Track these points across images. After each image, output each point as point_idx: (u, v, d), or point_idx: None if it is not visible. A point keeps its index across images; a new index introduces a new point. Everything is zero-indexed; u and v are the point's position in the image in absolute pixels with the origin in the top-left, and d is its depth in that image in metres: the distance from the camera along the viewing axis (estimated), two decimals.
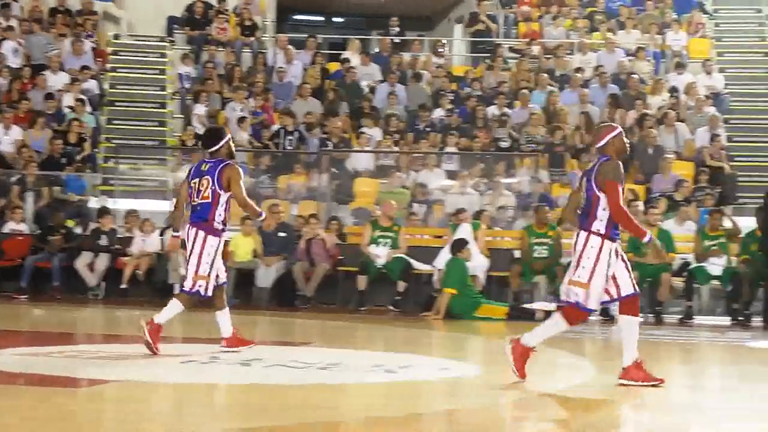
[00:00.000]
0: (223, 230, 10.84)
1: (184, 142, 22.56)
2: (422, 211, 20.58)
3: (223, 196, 10.74)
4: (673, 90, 23.61)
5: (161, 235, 19.21)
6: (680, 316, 17.47)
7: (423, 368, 10.64)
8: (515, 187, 20.85)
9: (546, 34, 26.29)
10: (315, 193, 21.23)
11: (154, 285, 19.01)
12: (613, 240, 9.15)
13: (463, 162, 21.41)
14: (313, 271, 18.68)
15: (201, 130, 22.68)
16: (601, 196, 9.11)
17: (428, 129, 22.67)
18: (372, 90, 24.18)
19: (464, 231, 17.99)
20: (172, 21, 26.77)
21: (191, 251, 10.79)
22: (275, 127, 22.70)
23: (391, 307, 18.18)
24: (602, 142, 9.38)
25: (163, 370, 9.80)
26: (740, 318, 17.11)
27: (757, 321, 17.30)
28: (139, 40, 26.80)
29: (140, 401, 8.22)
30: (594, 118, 22.72)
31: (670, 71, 24.65)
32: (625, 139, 9.47)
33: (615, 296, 9.32)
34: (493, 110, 23.01)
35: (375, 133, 22.48)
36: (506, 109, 22.94)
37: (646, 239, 9.21)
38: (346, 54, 25.69)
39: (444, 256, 17.63)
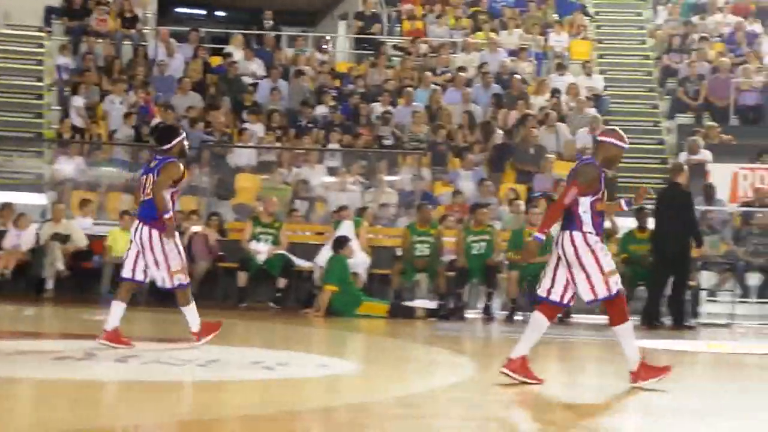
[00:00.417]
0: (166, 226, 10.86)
1: (61, 134, 22.12)
2: (304, 208, 20.45)
3: (167, 192, 10.83)
4: (555, 91, 23.80)
5: (38, 230, 18.81)
6: (560, 315, 17.54)
7: (301, 365, 10.53)
8: (398, 185, 20.83)
9: (430, 33, 26.34)
10: (195, 189, 20.95)
11: (28, 280, 18.59)
12: (599, 235, 9.20)
13: (345, 159, 21.32)
14: (194, 268, 18.44)
15: (79, 122, 22.30)
16: (580, 199, 9.12)
17: (311, 125, 22.54)
18: (254, 85, 23.97)
19: (346, 228, 17.91)
20: (50, 11, 26.24)
21: (152, 250, 10.90)
22: (155, 120, 22.37)
23: (272, 304, 18.03)
24: (599, 139, 9.46)
25: (33, 367, 9.54)
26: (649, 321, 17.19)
27: (634, 319, 17.44)
28: (15, 30, 26.22)
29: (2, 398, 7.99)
30: (477, 117, 22.82)
31: (551, 72, 24.85)
32: (618, 155, 9.33)
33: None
34: (376, 108, 22.97)
35: (257, 128, 22.29)
36: (389, 107, 22.90)
37: (534, 236, 9.30)
38: (228, 48, 25.45)
39: (325, 253, 17.52)
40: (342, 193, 20.40)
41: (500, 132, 22.19)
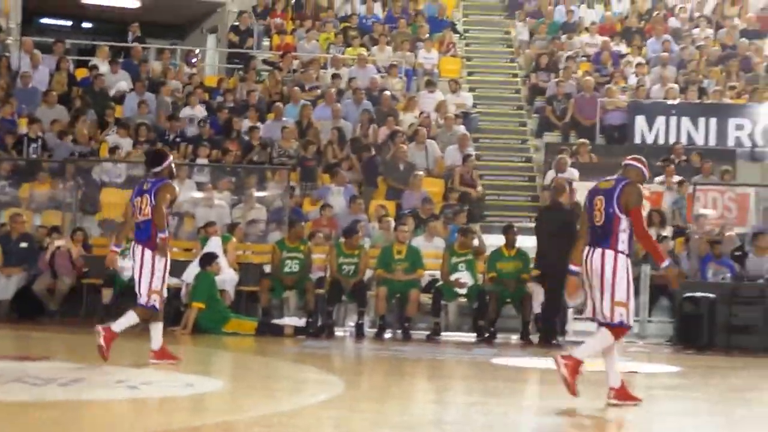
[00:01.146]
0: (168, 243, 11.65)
1: None
2: (172, 224, 20.14)
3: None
4: (424, 108, 23.88)
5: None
6: (428, 333, 17.59)
7: (166, 385, 10.33)
8: (267, 200, 20.65)
9: (300, 48, 26.24)
10: (60, 203, 20.52)
11: None
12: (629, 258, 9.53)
13: (214, 174, 21.08)
14: (57, 284, 18.06)
15: None
16: (623, 217, 9.46)
17: (179, 140, 22.25)
18: (121, 98, 23.59)
19: (214, 244, 17.70)
20: None
21: (141, 268, 11.64)
22: (19, 132, 21.87)
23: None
24: (629, 163, 9.88)
25: None
26: (486, 335, 17.32)
27: (501, 337, 17.57)
28: None
29: None
30: (347, 133, 22.77)
31: (421, 89, 24.93)
32: (642, 182, 9.79)
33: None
34: (245, 123, 22.76)
35: (124, 142, 21.92)
36: (259, 122, 22.73)
37: (665, 264, 9.68)
38: (94, 60, 25.02)
39: (193, 270, 17.27)
40: (210, 208, 20.17)
41: (370, 148, 22.17)
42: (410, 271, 17.75)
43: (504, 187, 23.38)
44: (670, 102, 24.41)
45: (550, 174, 21.94)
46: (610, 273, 9.45)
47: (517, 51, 27.43)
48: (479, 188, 21.98)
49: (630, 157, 10.10)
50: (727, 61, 25.89)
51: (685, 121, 24.02)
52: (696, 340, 16.89)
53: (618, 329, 9.50)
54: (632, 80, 25.42)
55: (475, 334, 17.58)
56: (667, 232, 19.57)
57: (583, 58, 26.43)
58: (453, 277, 17.71)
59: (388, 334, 17.43)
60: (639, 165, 9.87)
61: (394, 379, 12.11)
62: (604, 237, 9.49)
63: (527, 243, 18.68)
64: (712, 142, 23.87)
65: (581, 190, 20.74)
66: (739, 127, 23.93)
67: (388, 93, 23.88)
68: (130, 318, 11.72)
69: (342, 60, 25.45)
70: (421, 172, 21.45)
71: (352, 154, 22.09)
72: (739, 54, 26.26)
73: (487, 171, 23.63)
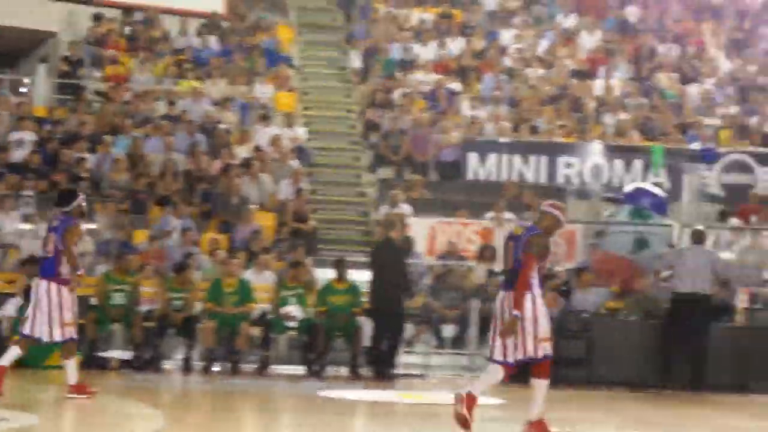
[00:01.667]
0: (69, 280, 12.00)
1: None
2: None
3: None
4: (259, 141, 23.75)
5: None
6: (257, 365, 17.43)
7: None
8: (95, 232, 20.24)
9: (133, 79, 25.88)
10: None
11: None
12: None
13: (40, 205, 20.58)
14: None
15: None
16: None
17: (5, 170, 21.70)
18: None
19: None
20: None
21: (49, 303, 11.92)
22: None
23: None
24: (545, 209, 10.30)
25: None
26: (315, 368, 17.25)
27: (331, 371, 17.49)
28: None
29: None
30: (179, 165, 22.51)
31: (256, 122, 24.80)
32: (558, 228, 10.28)
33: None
34: (74, 154, 22.29)
35: None
36: (88, 154, 22.30)
37: (515, 313, 9.93)
38: None
39: (15, 302, 16.82)
40: (36, 240, 19.67)
41: (204, 181, 21.97)
42: (240, 304, 17.60)
43: (337, 221, 23.38)
44: (502, 139, 24.76)
45: (384, 209, 22.02)
46: (530, 313, 9.94)
47: (353, 86, 27.50)
48: (312, 222, 21.94)
49: (548, 203, 10.49)
50: (558, 101, 26.40)
51: (517, 159, 24.39)
52: (522, 374, 17.01)
53: (545, 363, 10.16)
54: (466, 117, 25.70)
55: (304, 367, 17.48)
56: (498, 267, 19.76)
57: (419, 95, 26.67)
58: (283, 311, 17.62)
59: (216, 368, 17.21)
60: (555, 212, 10.28)
61: (219, 414, 11.96)
62: (516, 279, 9.98)
63: (360, 277, 18.72)
64: (542, 179, 24.28)
65: (414, 226, 20.94)
66: (569, 165, 24.39)
67: (222, 126, 23.71)
68: (70, 367, 12.18)
69: (176, 92, 25.19)
70: (253, 206, 21.32)
71: (186, 186, 21.85)
72: (569, 94, 26.80)
73: (321, 205, 23.60)
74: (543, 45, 28.68)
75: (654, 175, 24.07)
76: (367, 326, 17.50)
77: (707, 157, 24.29)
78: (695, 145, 24.79)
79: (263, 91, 25.88)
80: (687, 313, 17.07)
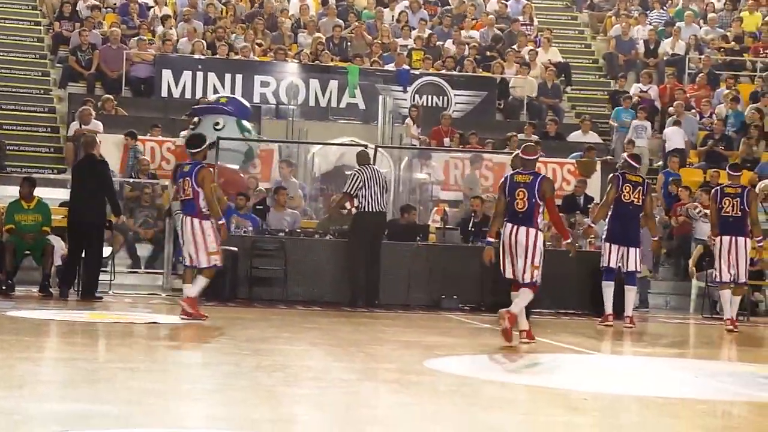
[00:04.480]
0: (208, 215, 13.44)
1: None
2: None
3: (201, 192, 13.34)
4: None
5: None
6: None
7: None
8: None
9: None
10: None
11: None
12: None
13: None
14: None
15: None
16: (541, 203, 12.03)
17: None
18: None
19: None
20: None
21: (194, 236, 13.35)
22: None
23: None
24: (533, 157, 12.28)
25: None
26: (3, 287, 16.48)
27: (21, 290, 16.81)
28: None
29: None
30: None
31: None
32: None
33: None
34: None
35: None
36: None
37: (568, 240, 12.94)
38: None
39: None
40: None
41: None
42: None
43: (27, 137, 22.50)
44: (197, 56, 24.32)
45: (74, 125, 21.32)
46: (531, 244, 11.97)
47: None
48: None
49: (527, 152, 12.31)
50: (254, 19, 26.11)
51: (212, 77, 24.01)
52: (219, 292, 16.88)
53: (534, 286, 12.07)
54: (159, 32, 25.11)
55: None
56: None
57: (109, 9, 25.84)
58: None
59: None
60: (534, 157, 12.29)
61: None
62: (526, 219, 11.99)
63: (52, 195, 18.09)
64: (238, 97, 23.99)
65: (106, 143, 20.29)
66: (265, 84, 24.20)
67: None
68: (201, 281, 13.50)
69: None
70: None
71: None
72: (265, 12, 26.55)
73: (7, 120, 22.63)
74: None
75: (350, 95, 24.21)
76: (58, 245, 16.86)
77: (401, 78, 24.59)
78: (390, 66, 25.04)
79: None
80: (365, 231, 17.18)
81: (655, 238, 16.03)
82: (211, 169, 13.95)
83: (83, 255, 16.41)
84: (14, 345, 10.60)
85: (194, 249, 13.40)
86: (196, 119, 20.12)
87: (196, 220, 13.39)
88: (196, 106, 21.24)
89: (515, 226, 12.05)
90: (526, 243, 12.00)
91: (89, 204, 16.33)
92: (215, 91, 23.55)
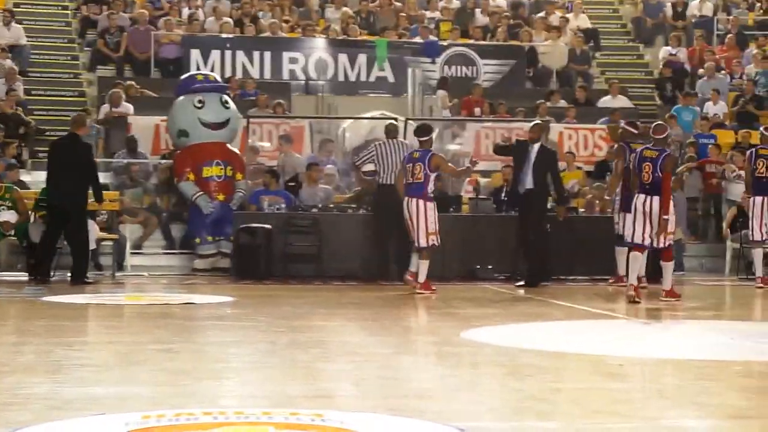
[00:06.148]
0: (433, 198, 14.88)
1: None
2: None
3: (431, 176, 14.70)
4: None
5: None
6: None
7: None
8: None
9: None
10: None
11: None
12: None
13: None
14: None
15: None
16: (663, 177, 13.25)
17: None
18: None
19: None
20: None
21: (417, 217, 14.58)
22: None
23: None
24: (662, 136, 13.53)
25: None
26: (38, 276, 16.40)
27: (58, 277, 16.85)
28: None
29: None
30: None
31: None
32: None
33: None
34: None
35: None
36: None
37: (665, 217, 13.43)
38: None
39: None
40: None
41: None
42: None
43: (56, 122, 22.53)
44: (224, 35, 24.31)
45: (105, 108, 21.38)
46: (663, 213, 13.20)
47: None
48: (32, 123, 21.14)
49: (657, 131, 13.61)
50: None
51: (240, 55, 24.00)
52: (254, 271, 16.90)
53: (670, 249, 13.70)
54: (186, 13, 25.11)
55: (27, 274, 16.75)
56: None
57: None
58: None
59: None
60: (663, 135, 13.57)
61: None
62: (654, 190, 13.26)
63: None
64: (267, 75, 24.00)
65: (137, 124, 20.36)
66: (293, 61, 24.17)
67: None
68: (423, 267, 14.67)
69: None
70: None
71: None
72: None
73: (38, 106, 22.71)
74: None
75: (378, 69, 24.15)
76: (93, 228, 16.82)
77: (430, 50, 24.50)
78: (418, 39, 24.96)
79: None
80: (385, 205, 16.52)
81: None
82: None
83: (67, 241, 16.01)
84: (50, 330, 10.65)
85: (416, 229, 14.60)
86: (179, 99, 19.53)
87: (421, 202, 14.62)
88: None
89: (648, 197, 13.31)
90: (659, 212, 13.25)
91: (67, 186, 15.67)
92: (244, 70, 23.56)
